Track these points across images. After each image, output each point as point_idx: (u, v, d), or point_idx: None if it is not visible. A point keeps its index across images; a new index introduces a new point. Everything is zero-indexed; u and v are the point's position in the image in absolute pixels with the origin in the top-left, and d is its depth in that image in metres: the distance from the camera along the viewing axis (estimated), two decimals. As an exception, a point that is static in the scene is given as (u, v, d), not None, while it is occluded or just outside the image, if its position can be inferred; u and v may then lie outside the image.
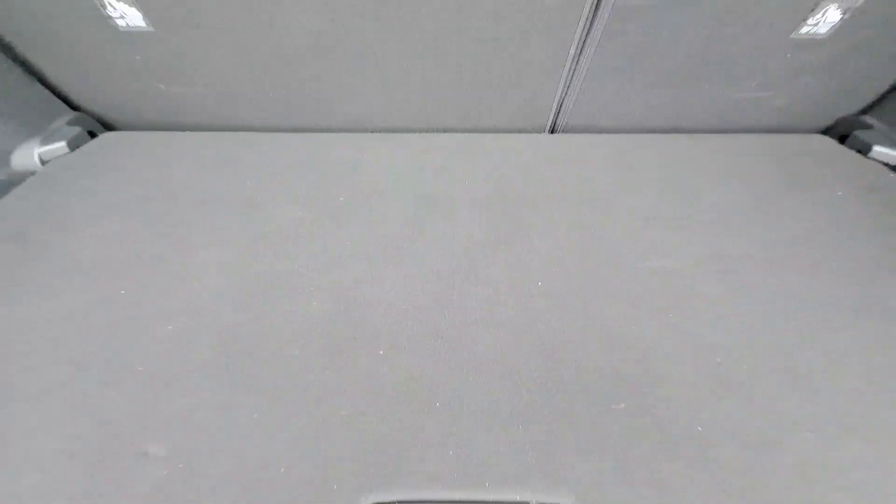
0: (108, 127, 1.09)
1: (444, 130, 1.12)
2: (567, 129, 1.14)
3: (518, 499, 0.57)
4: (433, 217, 0.91)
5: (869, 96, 1.08)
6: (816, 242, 0.86)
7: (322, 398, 0.65)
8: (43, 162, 0.95)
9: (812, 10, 0.87)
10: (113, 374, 0.65)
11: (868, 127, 1.08)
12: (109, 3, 0.85)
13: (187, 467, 0.57)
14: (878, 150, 1.05)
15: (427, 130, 1.11)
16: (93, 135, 1.05)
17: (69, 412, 0.61)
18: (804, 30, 0.91)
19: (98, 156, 0.98)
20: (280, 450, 0.59)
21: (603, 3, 0.85)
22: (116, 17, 0.87)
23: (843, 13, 0.86)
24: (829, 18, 0.86)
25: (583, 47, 0.95)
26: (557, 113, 1.10)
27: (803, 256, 0.84)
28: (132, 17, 0.88)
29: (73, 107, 1.05)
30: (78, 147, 1.00)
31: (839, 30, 0.91)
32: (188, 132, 1.05)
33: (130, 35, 0.91)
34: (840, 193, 0.96)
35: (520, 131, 1.13)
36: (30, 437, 0.59)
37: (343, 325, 0.73)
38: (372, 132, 1.09)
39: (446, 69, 0.99)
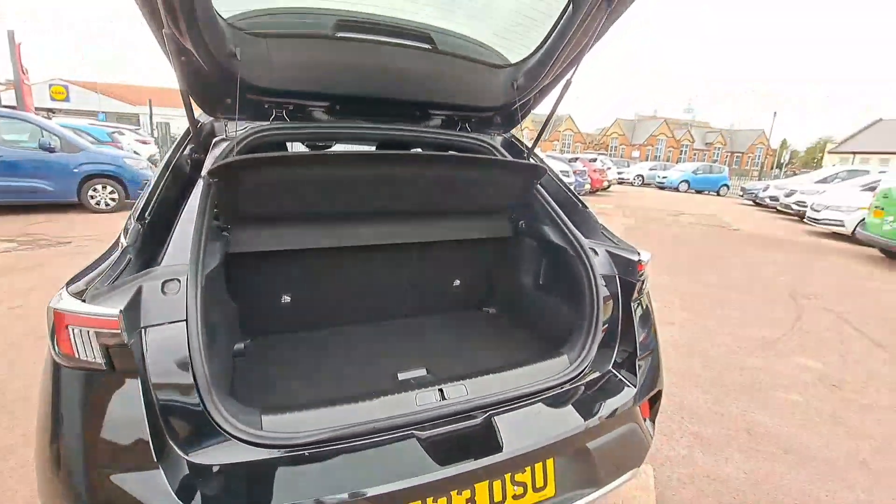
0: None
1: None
2: None
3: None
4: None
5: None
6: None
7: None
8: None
9: (455, 282, 2.24)
10: None
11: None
12: (283, 295, 1.87)
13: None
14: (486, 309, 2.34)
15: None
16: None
17: None
18: (454, 285, 2.23)
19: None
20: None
21: None
22: (282, 301, 1.89)
23: (459, 283, 2.24)
24: (457, 284, 2.27)
25: None
26: None
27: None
28: (286, 299, 1.90)
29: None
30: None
31: (462, 285, 2.25)
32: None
33: (286, 305, 1.90)
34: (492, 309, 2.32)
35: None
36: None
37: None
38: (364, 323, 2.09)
39: (397, 293, 2.12)
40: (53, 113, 23.47)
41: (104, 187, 7.67)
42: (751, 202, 17.87)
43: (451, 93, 1.75)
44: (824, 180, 14.00)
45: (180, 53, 1.18)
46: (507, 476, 1.11)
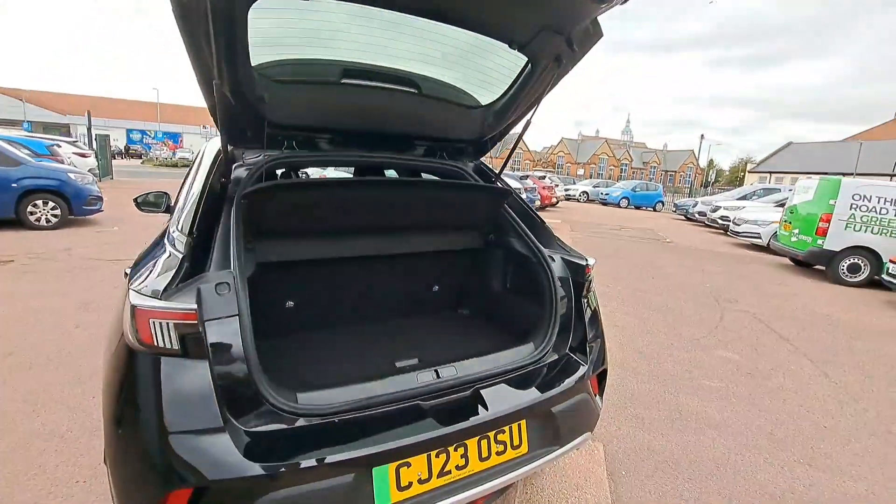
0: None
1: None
2: None
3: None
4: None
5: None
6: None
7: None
8: None
9: (434, 287, 2.54)
10: None
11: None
12: (287, 301, 2.13)
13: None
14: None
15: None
16: None
17: None
18: (433, 290, 2.54)
19: None
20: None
21: None
22: (286, 306, 2.14)
23: (437, 289, 2.53)
24: (436, 290, 2.54)
25: None
26: None
27: None
28: (290, 304, 2.14)
29: None
30: None
31: (440, 290, 2.56)
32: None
33: (290, 309, 2.15)
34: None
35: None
36: None
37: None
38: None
39: (385, 298, 2.39)
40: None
41: (45, 203, 7.31)
42: (683, 217, 19.45)
43: (432, 128, 2.06)
44: (744, 197, 15.57)
45: (222, 97, 1.40)
46: (492, 435, 1.39)
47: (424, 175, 2.38)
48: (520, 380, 1.54)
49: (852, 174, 25.24)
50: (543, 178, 18.75)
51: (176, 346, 1.12)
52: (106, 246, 6.38)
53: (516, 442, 1.44)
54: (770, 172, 38.99)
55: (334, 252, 1.98)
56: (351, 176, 2.48)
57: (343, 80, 1.65)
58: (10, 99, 32.84)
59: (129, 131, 44.12)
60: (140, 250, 1.68)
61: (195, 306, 1.13)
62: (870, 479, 2.37)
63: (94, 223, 8.04)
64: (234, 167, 1.70)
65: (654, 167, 67.74)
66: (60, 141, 13.45)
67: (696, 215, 16.89)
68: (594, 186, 28.09)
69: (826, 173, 26.24)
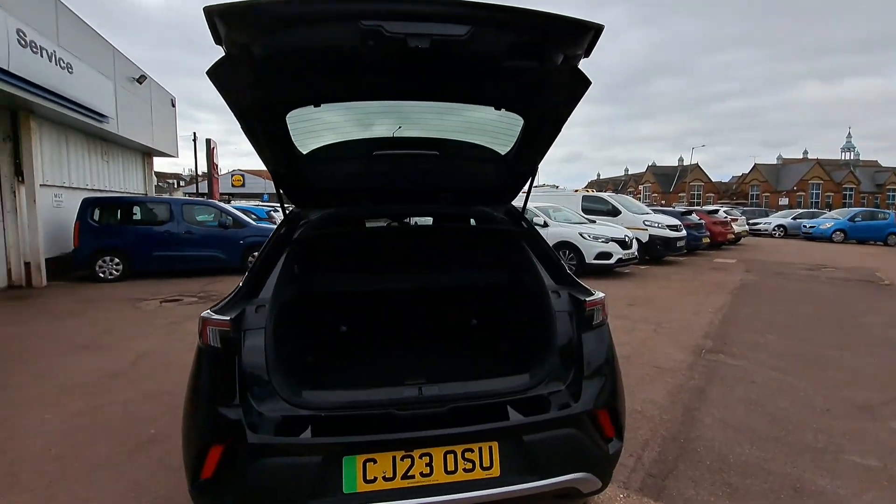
0: None
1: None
2: None
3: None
4: None
5: None
6: None
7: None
8: None
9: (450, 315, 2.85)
10: None
11: None
12: (341, 325, 2.61)
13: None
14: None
15: None
16: None
17: None
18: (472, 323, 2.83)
19: None
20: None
21: None
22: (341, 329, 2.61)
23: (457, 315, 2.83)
24: (475, 323, 2.84)
25: None
26: None
27: None
28: (343, 328, 2.68)
29: None
30: None
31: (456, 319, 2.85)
32: None
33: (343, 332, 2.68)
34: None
35: None
36: None
37: None
38: None
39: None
40: (232, 197, 29.76)
41: (260, 254, 9.65)
42: (931, 252, 14.76)
43: (457, 180, 2.36)
44: None
45: (278, 175, 1.99)
46: (458, 450, 1.52)
47: (446, 221, 2.68)
48: (496, 405, 1.63)
49: None
50: (715, 212, 16.55)
51: (220, 345, 1.61)
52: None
53: (486, 463, 1.54)
54: None
55: (370, 287, 2.40)
56: (388, 224, 2.96)
57: (374, 153, 2.10)
58: (254, 177, 43.58)
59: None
60: None
61: (228, 318, 1.61)
62: None
63: (290, 269, 10.21)
64: (300, 223, 2.26)
65: (894, 190, 52.80)
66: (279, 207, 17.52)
67: (950, 249, 12.68)
68: (794, 218, 23.43)
69: None
